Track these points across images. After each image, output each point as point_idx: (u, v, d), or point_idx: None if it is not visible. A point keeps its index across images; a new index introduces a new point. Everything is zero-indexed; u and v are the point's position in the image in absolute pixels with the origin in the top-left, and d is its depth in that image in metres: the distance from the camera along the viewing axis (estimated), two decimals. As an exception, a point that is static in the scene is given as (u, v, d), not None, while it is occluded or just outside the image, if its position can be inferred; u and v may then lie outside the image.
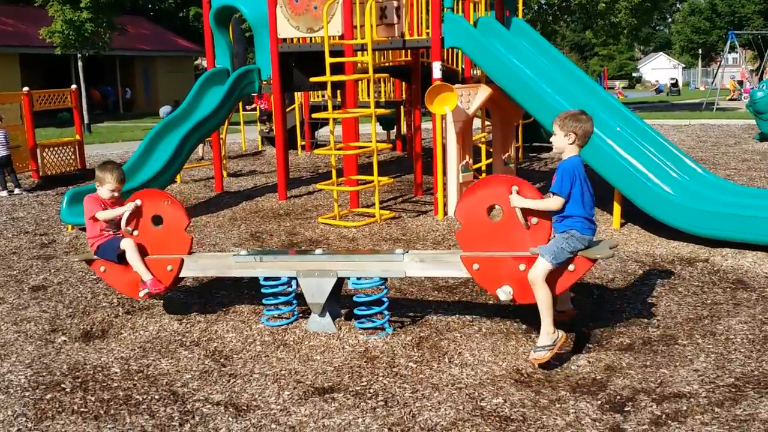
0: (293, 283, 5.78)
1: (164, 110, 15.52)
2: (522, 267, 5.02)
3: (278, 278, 5.80)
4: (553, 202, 4.91)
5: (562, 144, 5.01)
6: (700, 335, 5.41)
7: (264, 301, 5.92)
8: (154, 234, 6.03)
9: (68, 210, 9.44)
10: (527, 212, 5.02)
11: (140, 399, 4.66)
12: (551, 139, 5.17)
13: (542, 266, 4.88)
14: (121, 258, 5.93)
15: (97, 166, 6.18)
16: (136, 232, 6.03)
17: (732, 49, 35.36)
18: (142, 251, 5.98)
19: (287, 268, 5.80)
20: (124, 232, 6.01)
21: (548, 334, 4.86)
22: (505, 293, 5.08)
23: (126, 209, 5.95)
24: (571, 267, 4.92)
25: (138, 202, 5.99)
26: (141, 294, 5.93)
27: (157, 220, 6.04)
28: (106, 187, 6.01)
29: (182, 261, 5.96)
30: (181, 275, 6.03)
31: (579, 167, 4.91)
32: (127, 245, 5.89)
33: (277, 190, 11.65)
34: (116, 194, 6.06)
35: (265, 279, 5.84)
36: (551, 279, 4.93)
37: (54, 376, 5.04)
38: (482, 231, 5.18)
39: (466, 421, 4.21)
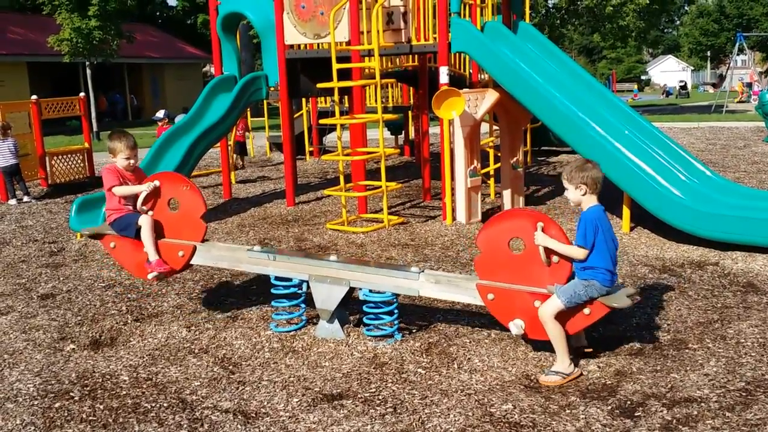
0: (304, 286, 5.77)
1: (159, 115, 15.52)
2: (537, 303, 4.93)
3: (290, 279, 5.78)
4: (578, 252, 4.82)
5: (577, 197, 4.96)
6: (710, 339, 5.38)
7: (273, 303, 5.91)
8: (169, 217, 6.04)
9: (77, 218, 9.47)
10: (549, 250, 4.96)
11: (149, 407, 4.65)
12: (566, 194, 5.10)
13: (554, 305, 4.83)
14: (137, 234, 5.94)
15: (108, 137, 6.21)
16: (151, 213, 6.03)
17: (740, 51, 35.24)
18: (158, 233, 6.00)
19: (299, 271, 5.77)
20: (139, 210, 6.02)
21: (564, 364, 4.82)
22: (517, 327, 5.02)
23: (144, 188, 5.98)
24: (586, 311, 4.84)
25: (157, 183, 6.00)
26: (149, 276, 5.94)
27: (174, 205, 6.04)
28: (119, 156, 6.04)
29: (194, 248, 5.96)
30: (192, 263, 6.02)
31: (600, 217, 4.82)
32: (145, 222, 5.93)
33: (286, 196, 11.65)
34: (132, 162, 6.07)
35: (276, 279, 5.83)
36: (565, 318, 4.86)
37: (63, 385, 5.04)
38: (501, 261, 5.10)
39: (475, 428, 4.19)
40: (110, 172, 6.04)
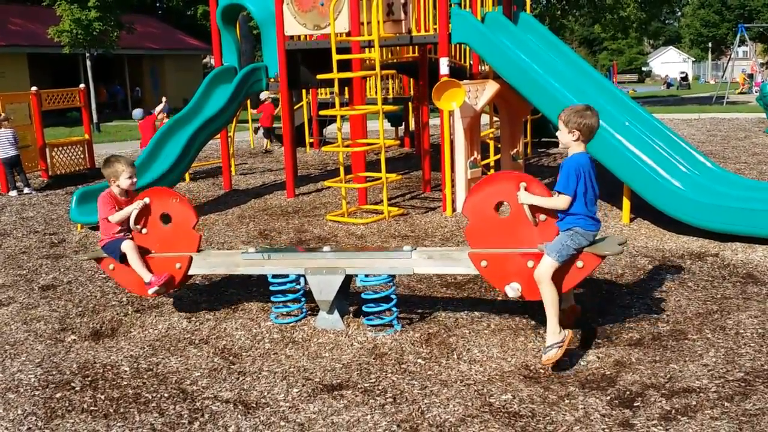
0: (301, 280, 5.78)
1: (137, 113, 15.54)
2: (530, 264, 4.99)
3: (286, 276, 5.81)
4: (560, 201, 4.86)
5: (567, 140, 4.97)
6: (709, 330, 5.39)
7: (272, 299, 5.93)
8: (162, 232, 6.04)
9: (77, 209, 9.48)
10: (535, 209, 4.99)
11: (150, 397, 4.67)
12: (557, 134, 5.14)
13: (547, 264, 4.86)
14: (123, 259, 5.95)
15: (103, 165, 6.15)
16: (144, 230, 6.04)
17: (742, 42, 35.17)
18: (145, 251, 6.00)
19: (295, 266, 5.80)
20: (133, 229, 6.02)
21: (554, 333, 4.84)
22: (513, 290, 5.07)
23: (134, 207, 5.97)
24: (579, 264, 4.89)
25: (146, 200, 6.01)
26: (150, 292, 5.94)
27: (166, 218, 6.05)
28: (123, 176, 5.99)
29: (191, 258, 5.97)
30: (189, 273, 6.04)
31: (583, 164, 4.84)
32: (127, 248, 5.91)
33: (286, 187, 11.65)
34: (134, 180, 6.06)
35: (273, 276, 5.84)
36: (559, 276, 4.90)
37: (64, 375, 5.06)
38: (490, 227, 5.16)
39: (474, 417, 4.21)
40: (105, 202, 6.00)
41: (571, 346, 4.95)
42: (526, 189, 4.98)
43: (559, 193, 4.85)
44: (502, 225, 5.14)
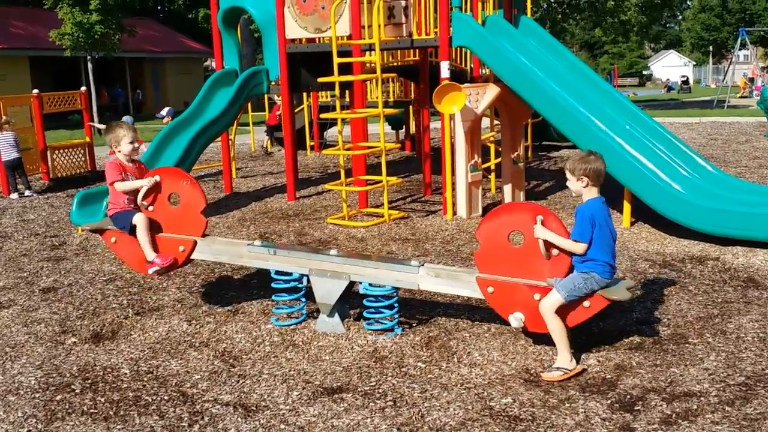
0: (304, 280, 5.77)
1: (162, 113, 15.58)
2: (537, 296, 4.94)
3: (290, 273, 5.79)
4: (576, 247, 4.81)
5: (577, 188, 4.94)
6: (710, 334, 5.38)
7: (273, 297, 5.92)
8: (169, 212, 6.04)
9: (78, 212, 9.47)
10: (549, 243, 4.96)
11: (150, 400, 4.66)
12: (567, 184, 5.09)
13: (554, 300, 4.84)
14: (132, 231, 5.95)
15: (105, 131, 6.18)
16: (151, 208, 6.04)
17: (743, 46, 35.18)
18: (154, 230, 6.00)
19: (300, 265, 5.78)
20: (140, 205, 6.02)
21: (566, 361, 4.82)
22: (517, 320, 5.02)
23: (145, 183, 5.98)
24: (586, 303, 4.85)
25: (157, 177, 6.01)
26: (150, 271, 5.94)
27: (175, 199, 6.05)
28: (124, 141, 6.02)
29: (195, 243, 5.97)
30: (192, 257, 6.03)
31: (598, 211, 4.81)
32: (139, 221, 5.93)
33: (286, 190, 11.65)
34: (137, 145, 6.08)
35: (277, 273, 5.83)
36: (565, 311, 4.87)
37: (64, 378, 5.06)
38: (501, 255, 5.11)
39: (475, 421, 4.20)
40: (113, 168, 6.03)
41: (577, 377, 4.84)
42: (542, 223, 4.94)
43: (576, 241, 4.82)
44: (513, 254, 5.09)
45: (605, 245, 4.80)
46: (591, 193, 4.91)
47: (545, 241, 4.92)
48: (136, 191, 6.02)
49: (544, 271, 4.99)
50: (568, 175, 4.98)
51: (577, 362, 4.89)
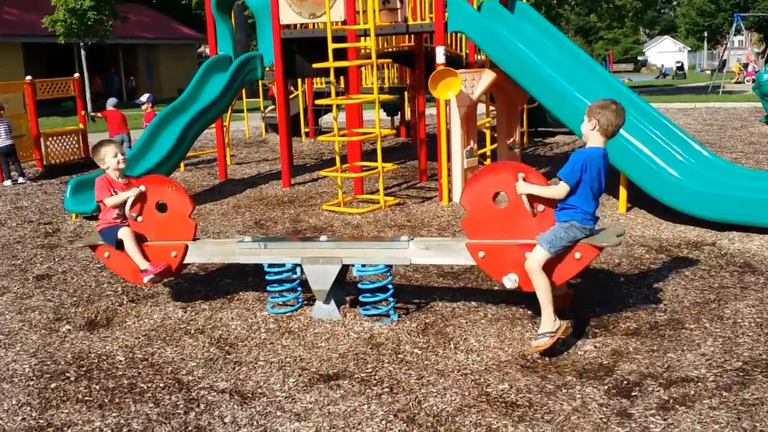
0: (297, 270, 5.75)
1: (143, 99, 15.52)
2: (528, 255, 4.97)
3: (283, 265, 5.77)
4: (557, 190, 4.82)
5: (585, 129, 4.90)
6: (707, 319, 5.38)
7: (268, 288, 5.90)
8: (158, 220, 6.01)
9: (72, 199, 9.44)
10: (534, 199, 4.96)
11: (145, 387, 4.64)
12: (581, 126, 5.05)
13: (539, 255, 4.83)
14: (120, 246, 5.92)
15: (92, 149, 6.20)
16: (140, 218, 6.01)
17: (738, 31, 35.14)
18: (143, 239, 5.97)
19: (291, 255, 5.77)
20: (128, 216, 5.99)
21: (549, 322, 4.82)
22: (511, 281, 5.03)
23: (130, 194, 5.94)
24: (576, 255, 4.86)
25: (142, 188, 5.98)
26: (145, 280, 5.91)
27: (162, 207, 6.02)
28: (108, 156, 6.00)
29: (186, 247, 5.94)
30: (185, 261, 6.01)
31: (593, 157, 4.77)
32: (125, 235, 5.89)
33: (281, 177, 11.61)
34: (122, 157, 6.05)
35: (270, 266, 5.81)
36: (556, 266, 4.87)
37: (58, 365, 5.03)
38: (488, 218, 5.12)
39: (471, 407, 4.19)
40: (101, 185, 6.01)
41: (563, 336, 4.90)
42: (524, 179, 4.94)
43: (559, 179, 4.82)
44: (499, 215, 5.11)
45: (589, 194, 4.78)
46: (596, 140, 4.85)
47: (530, 197, 4.91)
48: (125, 204, 6.00)
49: (532, 229, 5.00)
50: (585, 117, 4.92)
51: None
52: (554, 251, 4.81)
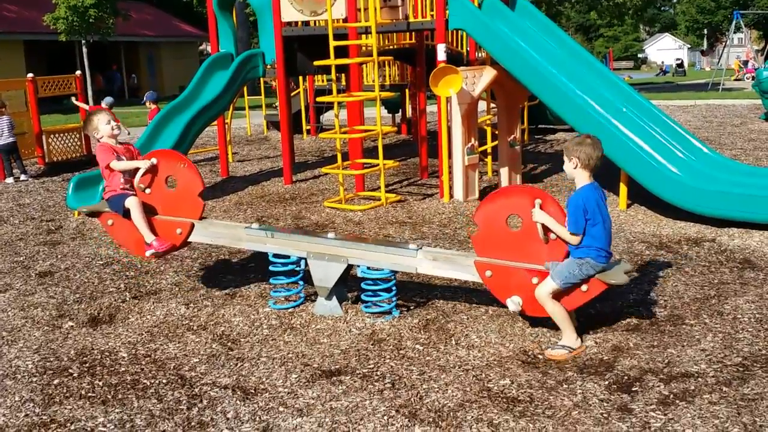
0: (302, 263, 5.77)
1: (107, 101, 15.53)
2: (535, 280, 4.94)
3: (287, 257, 5.78)
4: (571, 239, 4.80)
5: (569, 170, 4.93)
6: (707, 315, 5.40)
7: (271, 280, 5.92)
8: (167, 195, 6.02)
9: (74, 196, 9.44)
10: (547, 227, 4.95)
11: (148, 383, 4.67)
12: (563, 167, 5.07)
13: (549, 286, 4.84)
14: (127, 214, 5.93)
15: (83, 123, 6.17)
16: (148, 190, 6.01)
17: (737, 29, 35.11)
18: (150, 212, 5.98)
19: (298, 248, 5.76)
20: (136, 188, 6.00)
21: (571, 340, 4.84)
22: (514, 303, 5.02)
23: (142, 165, 5.95)
24: (584, 288, 4.83)
25: (154, 160, 5.98)
26: (147, 254, 5.92)
27: (172, 182, 6.03)
28: (101, 124, 6.00)
29: (192, 225, 5.95)
30: (190, 240, 6.02)
31: (588, 198, 4.78)
32: (132, 204, 5.89)
33: (283, 174, 11.63)
34: (113, 123, 6.03)
35: (274, 256, 5.82)
36: (562, 296, 4.87)
37: (61, 362, 5.05)
38: (499, 238, 5.09)
39: (473, 403, 4.21)
40: (104, 150, 5.99)
41: (580, 355, 4.84)
42: (541, 207, 4.93)
43: (572, 234, 4.80)
44: (511, 237, 5.08)
45: (599, 231, 4.78)
46: (582, 178, 4.88)
47: (543, 225, 4.92)
48: (133, 172, 6.01)
49: (542, 255, 4.98)
50: (564, 157, 4.98)
51: (582, 342, 4.90)
52: (565, 286, 4.82)
